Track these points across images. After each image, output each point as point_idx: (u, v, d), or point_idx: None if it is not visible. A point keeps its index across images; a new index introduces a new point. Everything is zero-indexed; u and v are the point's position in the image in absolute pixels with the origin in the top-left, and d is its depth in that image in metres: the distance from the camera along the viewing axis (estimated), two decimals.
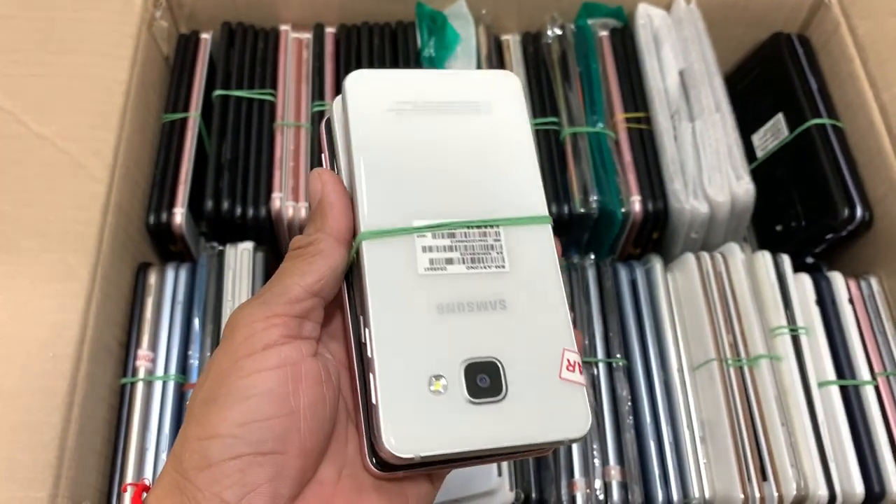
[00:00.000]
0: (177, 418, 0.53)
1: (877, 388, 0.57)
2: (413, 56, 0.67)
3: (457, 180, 0.32)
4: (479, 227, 0.31)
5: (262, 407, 0.27)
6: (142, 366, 0.55)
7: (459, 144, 0.32)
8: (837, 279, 0.60)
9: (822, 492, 0.53)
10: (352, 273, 0.31)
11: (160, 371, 0.55)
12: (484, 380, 0.29)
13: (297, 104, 0.65)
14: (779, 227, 0.67)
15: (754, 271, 0.59)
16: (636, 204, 0.61)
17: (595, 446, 0.53)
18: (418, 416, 0.28)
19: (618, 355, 0.57)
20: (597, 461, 0.53)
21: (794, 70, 0.67)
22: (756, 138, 0.69)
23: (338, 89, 0.66)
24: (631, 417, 0.55)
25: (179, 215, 0.60)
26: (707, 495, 0.53)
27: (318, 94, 0.65)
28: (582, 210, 0.61)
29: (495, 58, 0.68)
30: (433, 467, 0.29)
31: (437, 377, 0.28)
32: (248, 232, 0.60)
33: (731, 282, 0.59)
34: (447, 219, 0.31)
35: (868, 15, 0.65)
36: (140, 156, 0.60)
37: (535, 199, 0.32)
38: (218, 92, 0.65)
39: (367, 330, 0.29)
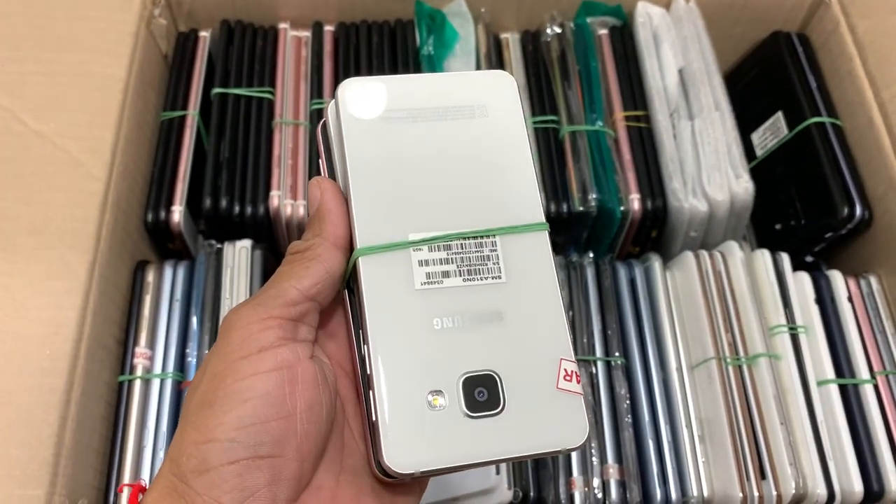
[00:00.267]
0: (174, 416, 0.53)
1: (876, 387, 0.56)
2: (412, 54, 0.66)
3: (452, 189, 0.31)
4: (475, 237, 0.31)
5: (260, 410, 0.27)
6: (139, 363, 0.54)
7: (454, 151, 0.32)
8: (837, 278, 0.60)
9: (821, 490, 0.53)
10: (352, 285, 0.31)
11: (158, 369, 0.55)
12: (482, 393, 0.29)
13: (295, 102, 0.65)
14: (778, 226, 0.67)
15: (753, 270, 0.59)
16: (635, 202, 0.61)
17: (593, 445, 0.53)
18: (417, 432, 0.28)
19: (616, 354, 0.57)
20: (595, 460, 0.53)
21: (794, 69, 0.67)
22: (755, 137, 0.69)
23: (337, 87, 0.66)
24: (629, 416, 0.55)
25: (178, 213, 0.60)
26: (705, 494, 0.53)
27: (316, 92, 0.65)
28: (581, 208, 0.61)
29: (494, 56, 0.68)
30: (441, 473, 0.30)
31: (436, 392, 0.29)
32: (246, 230, 0.60)
33: (730, 280, 0.59)
34: (443, 230, 0.31)
35: (868, 13, 0.65)
36: (138, 154, 0.60)
37: (531, 204, 0.32)
38: (216, 90, 0.65)
39: (366, 346, 0.29)
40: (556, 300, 0.31)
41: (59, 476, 0.45)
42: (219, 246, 0.59)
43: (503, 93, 0.33)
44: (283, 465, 0.27)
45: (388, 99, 0.32)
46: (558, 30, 0.68)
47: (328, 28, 0.69)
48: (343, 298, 0.31)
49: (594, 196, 0.61)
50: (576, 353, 0.56)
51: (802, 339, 0.57)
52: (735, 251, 0.59)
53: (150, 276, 0.58)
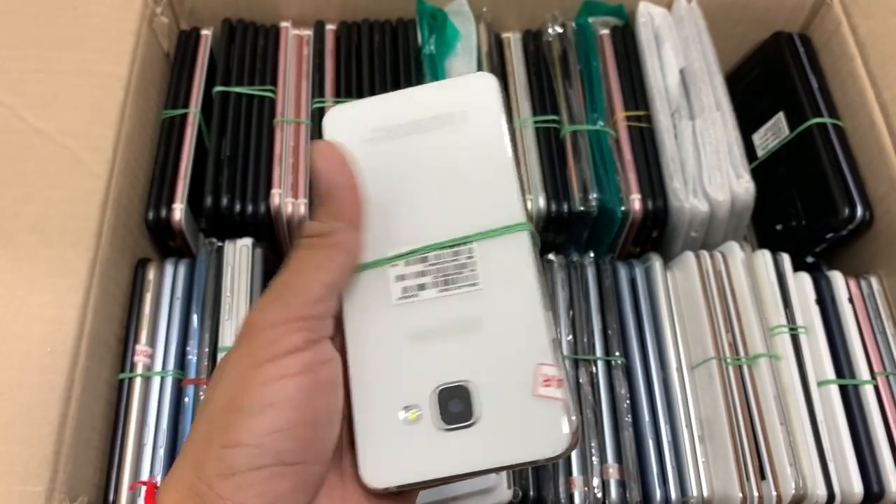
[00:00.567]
0: (175, 414, 0.53)
1: (876, 388, 0.56)
2: (413, 53, 0.67)
3: (430, 201, 0.31)
4: (451, 246, 0.30)
5: (287, 415, 0.27)
6: (140, 361, 0.55)
7: (432, 163, 0.32)
8: (837, 278, 0.60)
9: (821, 491, 0.53)
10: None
11: (158, 367, 0.55)
12: (456, 405, 0.29)
13: (297, 101, 0.65)
14: (779, 227, 0.67)
15: (754, 270, 0.59)
16: (636, 202, 0.61)
17: (593, 444, 0.53)
18: (392, 447, 0.28)
19: (616, 353, 0.57)
20: (595, 459, 0.53)
21: (795, 69, 0.67)
22: (757, 137, 0.69)
23: (338, 87, 0.66)
24: (629, 416, 0.55)
25: (179, 211, 0.60)
26: (705, 494, 0.53)
27: (318, 90, 0.65)
28: (581, 208, 0.61)
29: (496, 55, 0.68)
30: (418, 487, 0.30)
31: (410, 407, 0.29)
32: (247, 228, 0.60)
33: (730, 281, 0.58)
34: (421, 243, 0.31)
35: (869, 14, 0.65)
36: (140, 151, 0.60)
37: (511, 205, 0.31)
38: (218, 88, 0.65)
39: (346, 360, 0.30)
40: (534, 304, 0.29)
41: (59, 473, 0.45)
42: (220, 244, 0.59)
43: (483, 95, 0.33)
44: (305, 472, 0.27)
45: (368, 121, 0.33)
46: (560, 29, 0.68)
47: (330, 27, 0.69)
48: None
49: (595, 196, 0.61)
50: (576, 353, 0.56)
51: (803, 339, 0.57)
52: (736, 251, 0.59)
53: (151, 274, 0.58)
